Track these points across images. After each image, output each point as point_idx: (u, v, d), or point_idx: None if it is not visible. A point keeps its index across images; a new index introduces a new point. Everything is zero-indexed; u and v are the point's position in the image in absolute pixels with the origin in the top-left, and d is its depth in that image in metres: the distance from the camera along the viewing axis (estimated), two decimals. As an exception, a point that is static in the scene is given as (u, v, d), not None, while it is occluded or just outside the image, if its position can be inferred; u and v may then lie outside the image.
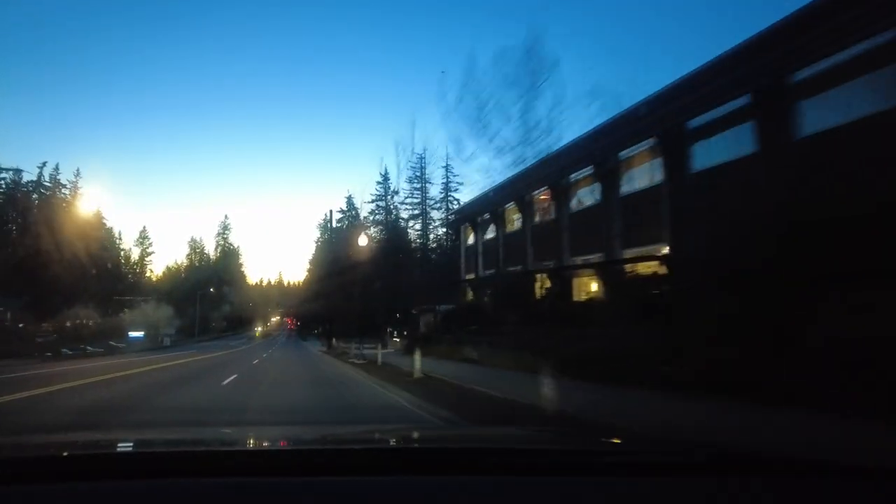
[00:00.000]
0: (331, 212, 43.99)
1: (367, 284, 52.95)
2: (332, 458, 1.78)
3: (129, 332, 66.45)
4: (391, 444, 2.34)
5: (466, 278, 31.09)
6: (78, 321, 75.41)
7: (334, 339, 52.40)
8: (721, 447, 2.12)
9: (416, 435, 3.10)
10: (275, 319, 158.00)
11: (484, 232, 30.19)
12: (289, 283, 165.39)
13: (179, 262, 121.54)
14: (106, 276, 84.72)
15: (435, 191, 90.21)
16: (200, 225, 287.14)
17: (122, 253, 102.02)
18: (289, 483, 1.48)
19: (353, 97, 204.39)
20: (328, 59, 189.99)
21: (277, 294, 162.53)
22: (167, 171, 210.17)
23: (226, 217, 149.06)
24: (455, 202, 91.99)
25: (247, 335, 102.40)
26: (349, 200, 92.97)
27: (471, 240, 32.68)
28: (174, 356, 34.17)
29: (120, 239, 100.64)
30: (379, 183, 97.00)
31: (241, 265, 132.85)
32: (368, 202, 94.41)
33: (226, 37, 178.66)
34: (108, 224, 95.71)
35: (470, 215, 30.90)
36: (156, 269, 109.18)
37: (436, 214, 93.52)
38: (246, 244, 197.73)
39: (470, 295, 31.92)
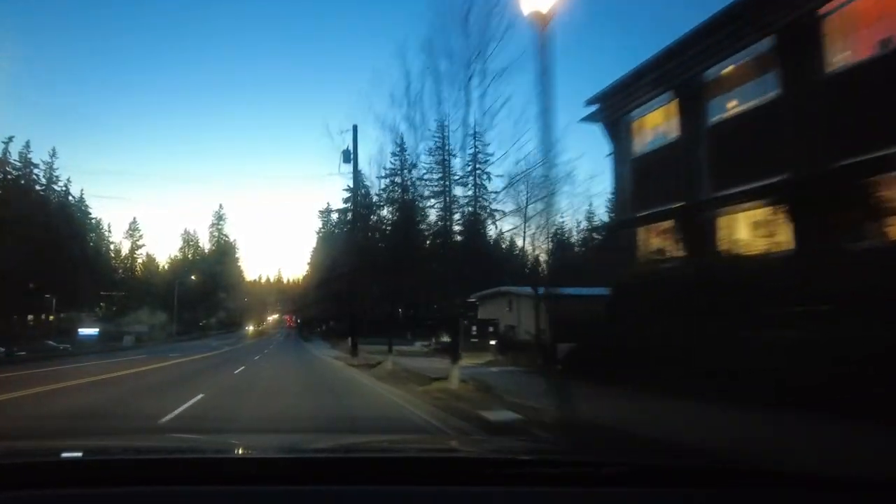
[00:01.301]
0: (355, 128, 25.12)
1: (401, 267, 36.69)
2: (333, 467, 1.70)
3: (80, 330, 49.81)
4: (392, 453, 2.23)
5: (668, 208, 14.05)
6: (30, 317, 61.16)
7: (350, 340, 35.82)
8: (719, 459, 2.05)
9: (416, 444, 2.97)
10: (273, 318, 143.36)
11: (699, 109, 13.30)
12: (288, 280, 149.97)
13: (173, 256, 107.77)
14: (80, 268, 69.44)
15: (459, 164, 73.72)
16: (196, 221, 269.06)
17: (111, 246, 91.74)
18: (288, 492, 1.43)
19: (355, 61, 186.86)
20: (326, 26, 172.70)
21: (276, 292, 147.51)
22: (162, 165, 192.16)
23: (220, 206, 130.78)
24: (485, 175, 75.92)
25: (237, 334, 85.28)
26: (358, 176, 76.18)
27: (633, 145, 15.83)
28: (90, 369, 19.37)
29: (109, 231, 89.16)
30: (395, 155, 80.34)
31: (237, 259, 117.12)
32: (382, 177, 77.93)
33: (216, 15, 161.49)
34: (92, 213, 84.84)
35: (663, 80, 13.94)
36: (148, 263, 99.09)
37: (459, 191, 77.08)
38: (243, 241, 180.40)
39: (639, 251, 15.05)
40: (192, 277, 78.03)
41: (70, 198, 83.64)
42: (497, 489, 1.49)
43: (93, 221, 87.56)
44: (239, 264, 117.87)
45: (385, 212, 78.79)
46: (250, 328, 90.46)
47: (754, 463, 1.79)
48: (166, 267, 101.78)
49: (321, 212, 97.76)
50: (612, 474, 1.62)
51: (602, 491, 1.52)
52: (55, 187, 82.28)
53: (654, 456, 2.56)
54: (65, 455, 1.92)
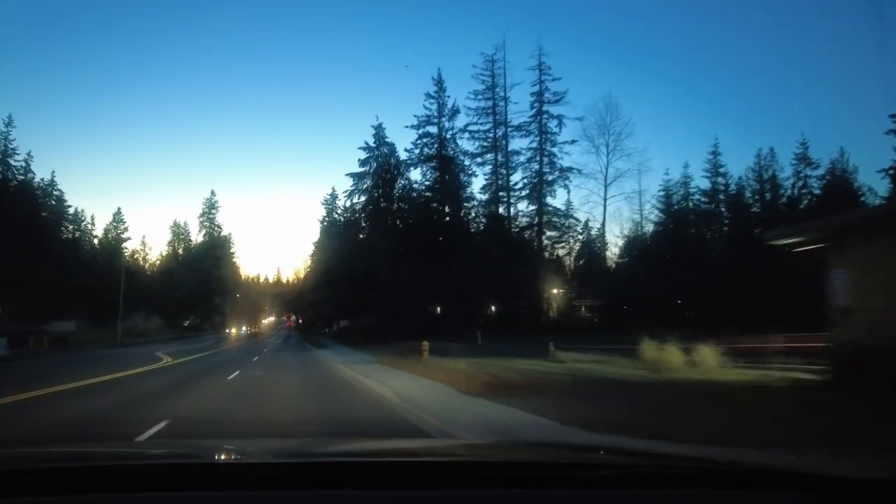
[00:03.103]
0: None
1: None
2: (329, 472, 1.59)
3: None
4: (386, 457, 2.09)
5: None
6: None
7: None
8: (711, 461, 1.86)
9: (413, 448, 2.73)
10: (269, 320, 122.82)
11: None
12: (287, 280, 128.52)
13: (165, 253, 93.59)
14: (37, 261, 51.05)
15: (517, 108, 52.15)
16: (190, 216, 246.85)
17: (95, 240, 79.29)
18: (286, 496, 1.37)
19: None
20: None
21: (274, 292, 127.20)
22: (154, 160, 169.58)
23: (212, 193, 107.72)
24: (554, 119, 54.03)
25: (218, 336, 63.17)
26: (378, 132, 54.09)
27: None
28: None
29: (92, 224, 76.86)
30: (430, 97, 58.45)
31: (232, 255, 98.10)
32: (411, 126, 56.10)
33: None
34: (69, 201, 71.22)
35: None
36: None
37: (520, 143, 55.24)
38: (241, 240, 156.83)
39: None
40: (142, 257, 57.50)
41: (37, 179, 65.99)
42: (493, 492, 1.44)
43: (70, 210, 72.50)
44: (234, 260, 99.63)
45: (416, 174, 57.48)
46: (234, 330, 68.58)
47: (750, 464, 1.73)
48: (147, 260, 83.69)
49: (325, 200, 79.48)
50: (607, 476, 1.58)
51: (597, 493, 1.47)
52: (12, 162, 64.29)
53: (649, 458, 2.25)
54: (55, 463, 1.72)
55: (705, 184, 54.88)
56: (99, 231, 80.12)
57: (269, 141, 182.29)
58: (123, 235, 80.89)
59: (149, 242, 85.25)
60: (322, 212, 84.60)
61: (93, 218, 76.64)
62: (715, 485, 1.50)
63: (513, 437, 5.83)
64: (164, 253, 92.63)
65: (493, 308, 48.88)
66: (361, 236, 58.59)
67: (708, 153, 55.12)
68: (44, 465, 1.68)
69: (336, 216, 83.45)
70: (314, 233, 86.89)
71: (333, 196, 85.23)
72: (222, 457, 2.04)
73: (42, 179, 68.16)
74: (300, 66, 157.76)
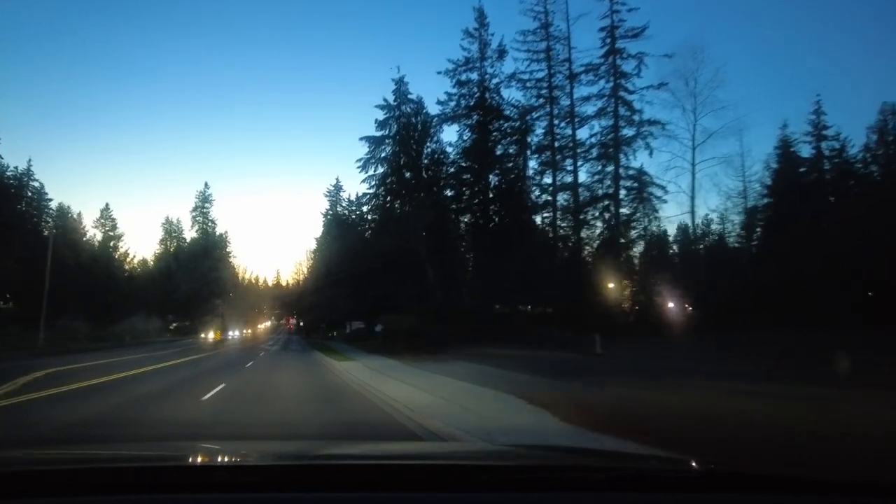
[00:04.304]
0: None
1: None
2: (325, 475, 1.56)
3: None
4: (383, 460, 2.05)
5: None
6: None
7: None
8: (715, 463, 1.77)
9: (412, 451, 2.69)
10: (268, 324, 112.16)
11: None
12: (287, 283, 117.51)
13: (157, 253, 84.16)
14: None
15: (578, 51, 39.68)
16: (183, 214, 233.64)
17: (83, 238, 68.16)
18: (282, 498, 1.36)
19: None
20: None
21: (274, 295, 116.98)
22: (145, 157, 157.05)
23: (206, 186, 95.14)
24: (632, 60, 40.93)
25: (197, 341, 50.60)
26: (399, 86, 41.48)
27: None
28: None
29: (80, 220, 67.64)
30: (469, 35, 44.79)
31: (228, 254, 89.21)
32: (444, 73, 43.50)
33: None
34: (48, 193, 62.11)
35: None
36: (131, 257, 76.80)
37: (585, 91, 42.76)
38: (236, 238, 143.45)
39: None
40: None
41: (11, 169, 56.56)
42: (492, 495, 1.42)
43: (52, 206, 63.07)
44: (230, 259, 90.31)
45: (451, 133, 44.60)
46: (213, 334, 56.16)
47: (748, 467, 1.71)
48: (117, 248, 71.23)
49: (328, 191, 70.86)
50: (603, 479, 1.55)
51: (594, 496, 1.44)
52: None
53: (644, 461, 2.34)
54: (59, 465, 1.70)
55: (805, 150, 42.61)
56: (90, 229, 69.23)
57: (266, 132, 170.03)
58: (114, 233, 69.78)
59: (120, 228, 73.12)
60: (325, 204, 74.79)
61: (80, 215, 65.88)
62: (718, 488, 1.47)
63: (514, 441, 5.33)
64: (157, 252, 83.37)
65: (542, 305, 36.65)
66: (378, 216, 46.37)
67: (809, 113, 42.78)
68: (44, 466, 1.64)
69: (340, 209, 72.92)
70: (316, 231, 78.37)
71: (338, 187, 74.21)
72: (223, 459, 2.02)
73: (16, 168, 58.05)
74: (297, 36, 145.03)
